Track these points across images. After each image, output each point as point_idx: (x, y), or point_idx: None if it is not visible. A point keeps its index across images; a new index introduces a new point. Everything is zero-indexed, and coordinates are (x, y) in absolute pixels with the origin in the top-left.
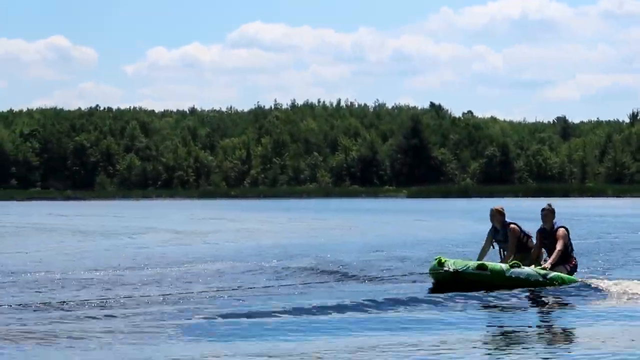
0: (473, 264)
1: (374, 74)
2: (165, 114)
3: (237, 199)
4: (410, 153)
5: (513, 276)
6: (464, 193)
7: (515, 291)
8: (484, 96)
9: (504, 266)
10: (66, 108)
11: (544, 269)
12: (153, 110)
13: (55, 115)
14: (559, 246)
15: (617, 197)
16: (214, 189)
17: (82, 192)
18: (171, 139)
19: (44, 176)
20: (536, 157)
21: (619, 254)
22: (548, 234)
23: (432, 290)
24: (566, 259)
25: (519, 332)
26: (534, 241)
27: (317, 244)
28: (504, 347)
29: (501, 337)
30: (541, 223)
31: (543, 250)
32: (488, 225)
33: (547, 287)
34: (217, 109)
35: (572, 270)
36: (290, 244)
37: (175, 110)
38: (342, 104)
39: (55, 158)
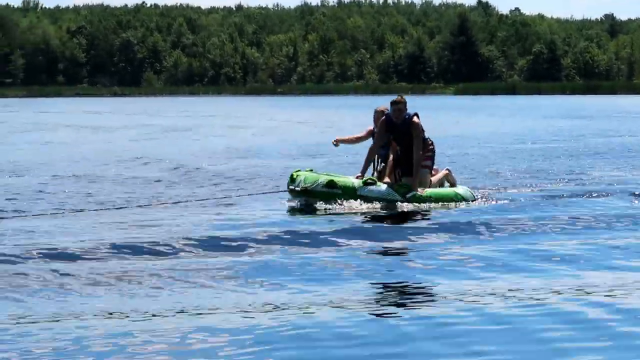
0: (323, 180)
1: None
2: (212, 10)
3: (284, 95)
4: (457, 50)
5: (365, 195)
6: (511, 90)
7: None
8: None
9: (357, 183)
10: (112, 4)
11: (405, 186)
12: (199, 7)
13: (101, 11)
14: (417, 150)
15: None
16: (261, 86)
17: (129, 89)
18: (218, 36)
19: (90, 73)
20: (583, 55)
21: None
22: (397, 127)
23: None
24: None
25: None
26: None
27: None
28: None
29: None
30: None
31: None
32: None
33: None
34: (264, 5)
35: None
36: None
37: (221, 7)
38: (389, 0)
39: (102, 55)
